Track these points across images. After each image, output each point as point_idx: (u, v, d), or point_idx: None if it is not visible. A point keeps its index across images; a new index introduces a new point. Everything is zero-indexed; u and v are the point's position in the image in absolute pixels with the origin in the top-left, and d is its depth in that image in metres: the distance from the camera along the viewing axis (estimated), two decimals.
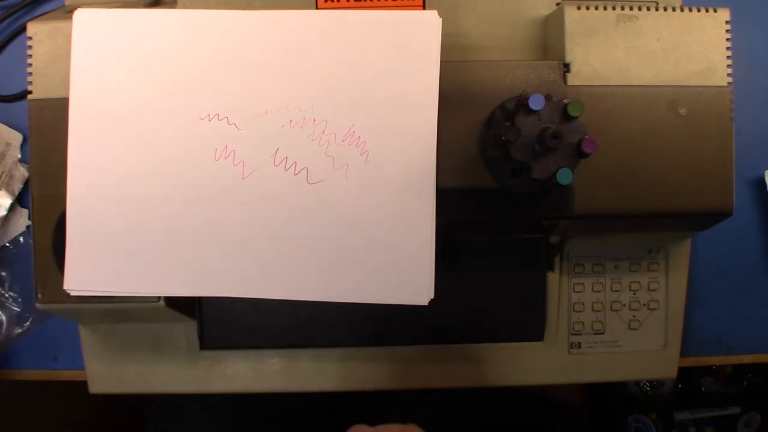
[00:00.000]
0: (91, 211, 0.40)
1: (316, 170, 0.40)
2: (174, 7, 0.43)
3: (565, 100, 0.37)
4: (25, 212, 0.55)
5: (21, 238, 0.55)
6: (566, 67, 0.42)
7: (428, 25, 0.40)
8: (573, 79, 0.42)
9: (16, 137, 0.55)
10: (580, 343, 0.52)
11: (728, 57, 0.42)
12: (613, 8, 0.42)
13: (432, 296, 0.40)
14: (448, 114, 0.41)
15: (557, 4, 0.45)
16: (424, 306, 0.40)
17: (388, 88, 0.40)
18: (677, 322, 0.52)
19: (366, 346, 0.51)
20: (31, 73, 0.42)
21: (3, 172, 0.54)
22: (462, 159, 0.41)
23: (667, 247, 0.52)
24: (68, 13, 0.42)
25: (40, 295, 0.43)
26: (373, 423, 0.41)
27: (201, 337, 0.51)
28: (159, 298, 0.43)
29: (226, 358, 0.52)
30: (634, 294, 0.52)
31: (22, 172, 0.54)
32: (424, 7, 0.46)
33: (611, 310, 0.52)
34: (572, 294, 0.52)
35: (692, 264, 0.53)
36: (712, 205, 0.43)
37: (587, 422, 1.00)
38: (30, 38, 0.42)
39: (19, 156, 0.55)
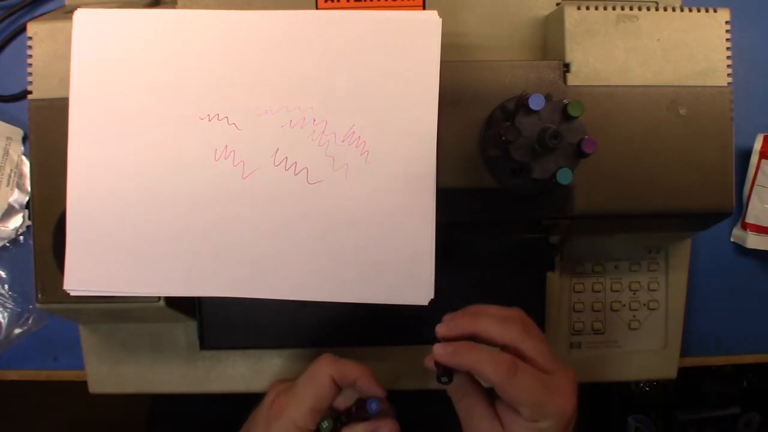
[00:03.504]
0: (91, 211, 0.40)
1: (316, 170, 0.40)
2: (174, 7, 0.43)
3: (565, 100, 0.37)
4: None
5: (21, 238, 0.55)
6: (566, 67, 0.42)
7: (428, 25, 0.40)
8: (573, 79, 0.42)
9: (17, 132, 0.55)
10: (580, 343, 0.52)
11: (728, 57, 0.42)
12: (613, 8, 0.42)
13: (432, 296, 0.40)
14: (448, 114, 0.41)
15: (557, 4, 0.45)
16: (424, 306, 0.40)
17: (388, 88, 0.40)
18: (677, 322, 0.52)
19: (366, 346, 0.51)
20: (31, 73, 0.42)
21: (11, 169, 0.54)
22: (462, 159, 0.41)
23: (667, 247, 0.52)
24: (68, 13, 0.42)
25: (40, 295, 0.43)
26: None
27: (201, 337, 0.51)
28: (159, 298, 0.43)
29: (226, 358, 0.52)
30: (634, 294, 0.52)
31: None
32: (424, 7, 0.46)
33: (611, 310, 0.52)
34: (572, 294, 0.52)
35: (692, 264, 0.53)
36: (712, 205, 0.42)
37: (587, 422, 1.00)
38: (30, 38, 0.42)
39: (23, 149, 0.55)
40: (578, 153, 0.37)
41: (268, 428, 0.41)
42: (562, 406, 0.37)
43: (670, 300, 0.52)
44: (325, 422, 0.41)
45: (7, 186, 0.54)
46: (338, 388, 0.41)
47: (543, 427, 0.37)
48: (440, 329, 0.40)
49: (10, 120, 0.54)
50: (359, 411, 0.42)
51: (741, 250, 0.56)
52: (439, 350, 0.38)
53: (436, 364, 0.39)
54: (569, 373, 0.39)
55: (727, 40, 0.42)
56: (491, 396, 0.40)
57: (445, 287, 0.41)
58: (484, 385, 0.40)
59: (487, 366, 0.36)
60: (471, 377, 0.40)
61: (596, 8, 0.42)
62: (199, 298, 0.50)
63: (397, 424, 0.43)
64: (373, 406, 0.41)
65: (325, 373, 0.41)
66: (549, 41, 0.46)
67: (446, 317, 0.40)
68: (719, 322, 0.57)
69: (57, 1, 0.54)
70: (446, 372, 0.38)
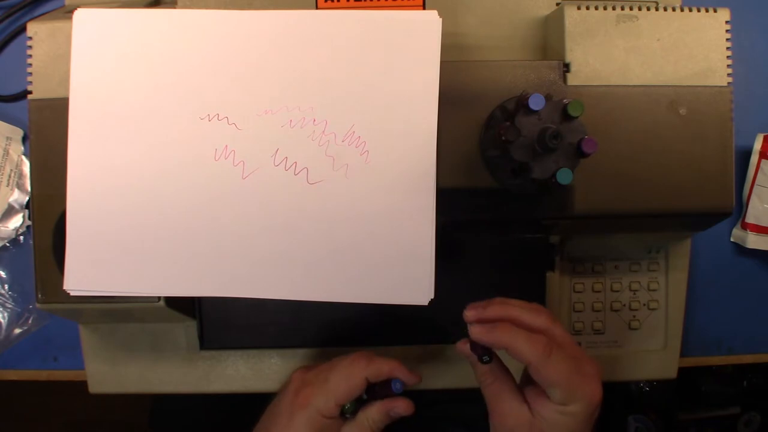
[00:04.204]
0: (91, 211, 0.40)
1: (316, 170, 0.40)
2: (174, 8, 0.43)
3: (565, 100, 0.37)
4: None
5: (21, 238, 0.55)
6: (566, 67, 0.42)
7: (428, 25, 0.40)
8: (573, 79, 0.42)
9: (17, 132, 0.55)
10: (580, 343, 0.52)
11: (728, 57, 0.42)
12: (613, 8, 0.42)
13: (432, 296, 0.40)
14: (448, 114, 0.41)
15: (557, 4, 0.45)
16: (424, 306, 0.40)
17: (389, 88, 0.40)
18: (677, 322, 0.52)
19: (366, 346, 0.51)
20: (31, 73, 0.42)
21: (11, 169, 0.54)
22: (462, 159, 0.41)
23: (667, 247, 0.52)
24: (68, 13, 0.42)
25: (40, 295, 0.43)
26: None
27: (201, 337, 0.51)
28: (159, 298, 0.43)
29: (226, 358, 0.52)
30: (634, 294, 0.52)
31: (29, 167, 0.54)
32: (424, 7, 0.46)
33: (611, 310, 0.52)
34: (572, 294, 0.52)
35: (692, 264, 0.53)
36: (712, 205, 0.43)
37: None
38: (30, 38, 0.42)
39: (23, 149, 0.55)
40: (578, 153, 0.37)
41: (293, 416, 0.42)
42: (592, 391, 0.37)
43: (670, 300, 0.52)
44: (347, 404, 0.43)
45: (7, 186, 0.54)
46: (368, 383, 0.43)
47: (572, 411, 0.37)
48: (470, 314, 0.40)
49: (10, 120, 0.54)
50: (382, 389, 0.43)
51: (741, 250, 0.56)
52: (477, 329, 0.38)
53: (473, 345, 0.39)
54: (595, 362, 0.39)
55: (727, 40, 0.42)
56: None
57: (445, 287, 0.41)
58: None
59: (524, 344, 0.37)
60: (500, 362, 0.41)
61: (596, 8, 0.42)
62: (199, 298, 0.50)
63: (411, 402, 0.44)
64: (398, 386, 0.43)
65: (361, 374, 0.42)
66: (549, 41, 0.46)
67: (471, 305, 0.41)
68: (719, 322, 0.57)
69: (57, 1, 0.54)
70: (486, 351, 0.39)
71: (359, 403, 0.44)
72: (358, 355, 0.44)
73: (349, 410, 0.43)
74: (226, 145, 0.40)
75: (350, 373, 0.43)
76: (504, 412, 0.39)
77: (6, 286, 0.55)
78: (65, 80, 0.40)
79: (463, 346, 0.40)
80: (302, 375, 0.45)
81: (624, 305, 0.52)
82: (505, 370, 0.41)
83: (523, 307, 0.40)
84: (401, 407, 0.44)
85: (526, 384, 0.40)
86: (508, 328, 0.38)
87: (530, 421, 0.38)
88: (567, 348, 0.38)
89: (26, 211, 0.55)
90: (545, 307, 0.41)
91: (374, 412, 0.43)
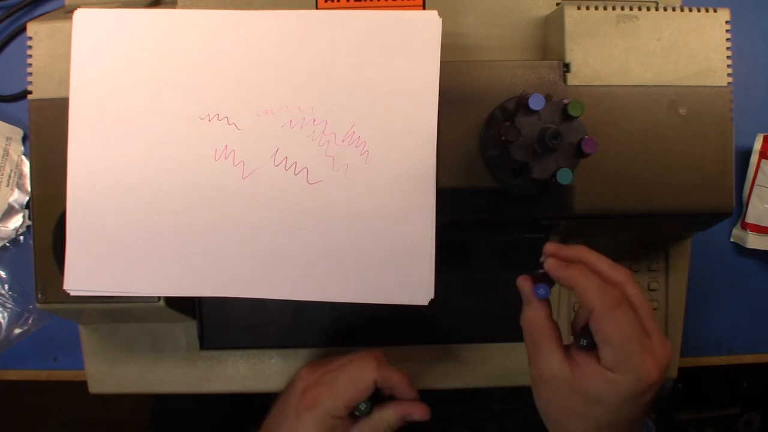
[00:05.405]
0: (90, 211, 0.40)
1: (316, 170, 0.40)
2: (174, 8, 0.43)
3: (565, 100, 0.37)
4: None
5: (21, 238, 0.55)
6: (566, 67, 0.42)
7: (428, 25, 0.40)
8: (573, 79, 0.42)
9: (17, 132, 0.55)
10: None
11: (728, 57, 0.42)
12: (613, 8, 0.42)
13: (432, 296, 0.40)
14: (448, 114, 0.41)
15: (557, 4, 0.45)
16: (424, 306, 0.40)
17: (388, 88, 0.40)
18: (677, 322, 0.52)
19: (366, 346, 0.51)
20: (31, 73, 0.42)
21: (11, 169, 0.54)
22: (462, 159, 0.41)
23: (667, 247, 0.52)
24: (68, 13, 0.42)
25: (40, 295, 0.43)
26: None
27: (201, 337, 0.51)
28: (159, 298, 0.43)
29: (226, 358, 0.52)
30: None
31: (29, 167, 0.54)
32: (424, 7, 0.46)
33: None
34: (572, 294, 0.52)
35: (692, 264, 0.53)
36: (712, 205, 0.42)
37: None
38: (30, 38, 0.42)
39: (23, 149, 0.55)
40: (578, 153, 0.37)
41: (300, 417, 0.42)
42: (647, 367, 0.34)
43: (670, 300, 0.52)
44: (363, 405, 0.43)
45: (7, 186, 0.54)
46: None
47: (618, 380, 0.34)
48: (549, 247, 0.39)
49: (10, 120, 0.54)
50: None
51: (741, 250, 0.56)
52: (553, 262, 0.37)
53: (534, 279, 0.39)
54: (668, 347, 0.37)
55: (727, 40, 0.42)
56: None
57: (445, 287, 0.41)
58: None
59: (594, 289, 0.35)
60: (548, 312, 0.39)
61: (596, 8, 0.42)
62: (199, 298, 0.50)
63: (428, 408, 0.44)
64: None
65: (370, 377, 0.42)
66: (549, 41, 0.46)
67: (552, 243, 0.39)
68: (719, 322, 0.57)
69: (57, 1, 0.54)
70: (544, 286, 0.38)
71: (373, 402, 0.44)
72: (366, 358, 0.43)
73: (363, 410, 0.43)
74: (226, 145, 0.40)
75: (359, 377, 0.42)
76: (541, 364, 0.37)
77: (6, 286, 0.55)
78: (65, 80, 0.40)
79: (523, 281, 0.39)
80: (309, 374, 0.45)
81: None
82: (552, 324, 0.38)
83: (603, 258, 0.38)
84: (418, 413, 0.44)
85: (574, 343, 0.38)
86: (581, 270, 0.36)
87: (569, 379, 0.36)
88: (640, 313, 0.36)
89: (26, 211, 0.55)
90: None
91: (390, 415, 0.43)
